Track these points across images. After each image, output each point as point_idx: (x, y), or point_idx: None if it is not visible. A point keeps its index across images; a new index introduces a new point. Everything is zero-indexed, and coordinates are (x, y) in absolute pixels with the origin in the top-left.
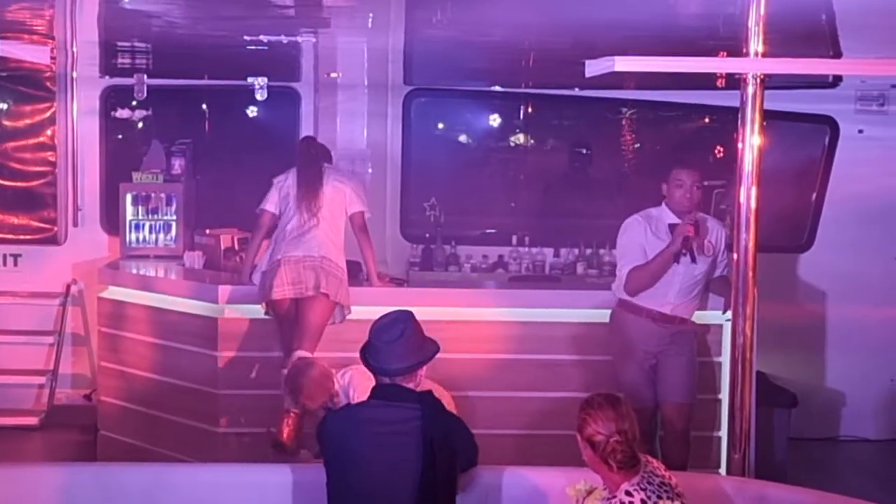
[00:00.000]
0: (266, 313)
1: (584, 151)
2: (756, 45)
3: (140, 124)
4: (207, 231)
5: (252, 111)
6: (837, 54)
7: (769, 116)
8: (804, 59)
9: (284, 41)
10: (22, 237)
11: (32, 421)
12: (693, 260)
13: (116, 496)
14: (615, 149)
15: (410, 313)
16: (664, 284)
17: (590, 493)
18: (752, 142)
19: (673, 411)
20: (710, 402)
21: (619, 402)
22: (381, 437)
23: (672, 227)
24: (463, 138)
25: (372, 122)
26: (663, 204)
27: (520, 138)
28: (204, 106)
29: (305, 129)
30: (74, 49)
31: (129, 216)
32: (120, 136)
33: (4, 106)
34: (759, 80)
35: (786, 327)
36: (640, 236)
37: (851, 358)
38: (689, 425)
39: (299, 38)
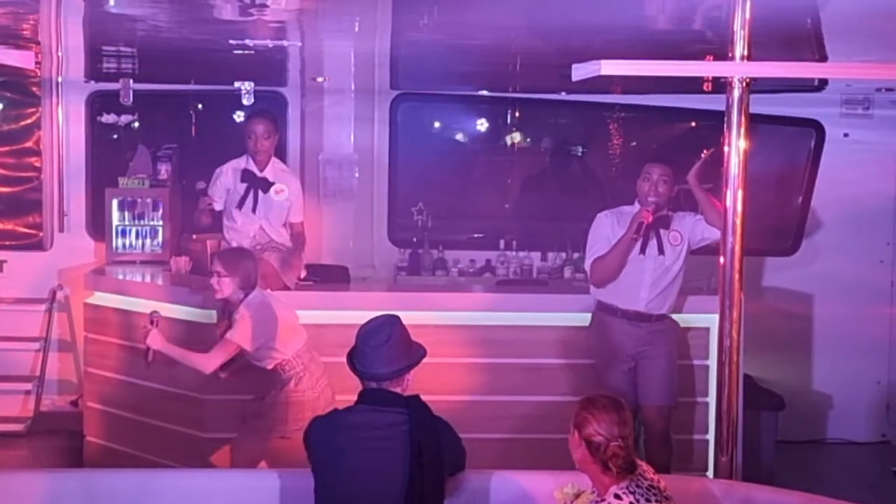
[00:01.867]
0: None
1: (572, 155)
2: (741, 48)
3: (136, 125)
4: (194, 236)
5: (239, 116)
6: (823, 58)
7: (755, 120)
8: (790, 63)
9: (270, 45)
10: (7, 243)
11: (18, 427)
12: (661, 251)
13: (103, 502)
14: (602, 153)
15: (397, 317)
16: (634, 281)
17: (577, 496)
18: (738, 145)
19: (653, 414)
20: (697, 405)
21: (621, 407)
22: (369, 442)
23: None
24: (450, 142)
25: (359, 126)
26: (636, 202)
27: (507, 142)
28: (190, 111)
29: (292, 134)
30: (60, 54)
31: (115, 221)
32: (106, 141)
33: None
34: (744, 84)
35: (773, 330)
36: (606, 229)
37: (838, 360)
38: (669, 427)
39: (285, 43)
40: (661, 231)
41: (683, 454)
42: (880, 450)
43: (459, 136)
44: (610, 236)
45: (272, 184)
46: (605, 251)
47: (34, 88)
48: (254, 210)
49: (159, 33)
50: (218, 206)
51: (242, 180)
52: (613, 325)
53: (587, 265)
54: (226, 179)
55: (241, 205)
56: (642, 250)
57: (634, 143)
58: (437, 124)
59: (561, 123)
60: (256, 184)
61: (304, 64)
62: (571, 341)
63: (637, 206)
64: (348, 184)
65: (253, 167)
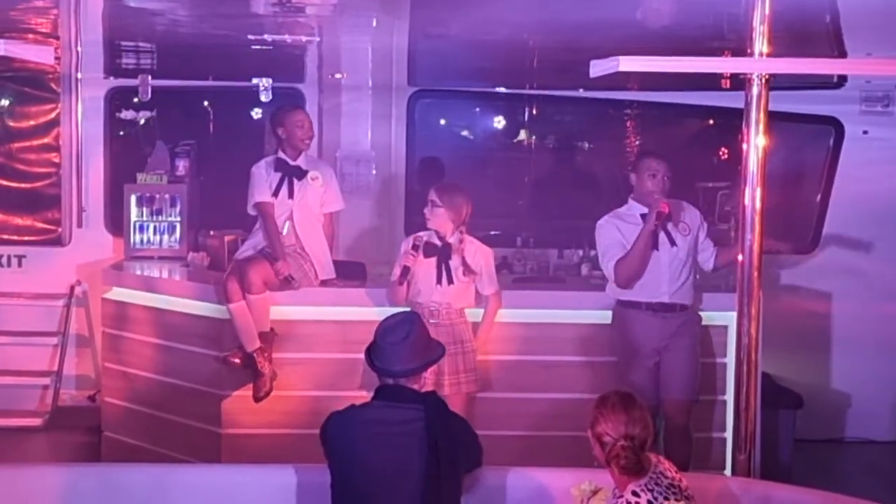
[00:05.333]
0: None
1: (589, 152)
2: (761, 45)
3: (145, 120)
4: (211, 232)
5: (256, 113)
6: (842, 54)
7: (774, 118)
8: (809, 59)
9: (288, 41)
10: (26, 238)
11: (36, 422)
12: (672, 243)
13: (120, 497)
14: (619, 150)
15: (417, 315)
16: (654, 275)
17: (594, 493)
18: (756, 142)
19: (674, 408)
20: (716, 403)
21: (633, 406)
22: (385, 438)
23: (644, 217)
24: (467, 139)
25: (376, 123)
26: (630, 200)
27: (524, 140)
28: (208, 107)
29: None
30: (79, 49)
31: (133, 217)
32: (125, 137)
33: (8, 103)
34: (763, 81)
35: (791, 328)
36: (614, 233)
37: (857, 359)
38: (690, 422)
39: (303, 38)
40: (669, 224)
41: (701, 452)
42: None
43: (477, 133)
44: (620, 239)
45: (306, 172)
46: (621, 253)
47: (53, 84)
48: (290, 196)
49: (178, 28)
50: (268, 198)
51: (276, 170)
52: (638, 319)
53: (609, 270)
54: (260, 174)
55: (276, 192)
56: (655, 246)
57: (653, 140)
58: (454, 121)
59: (579, 121)
60: (290, 172)
61: (322, 60)
62: (589, 338)
63: (632, 203)
64: (365, 180)
65: (284, 157)
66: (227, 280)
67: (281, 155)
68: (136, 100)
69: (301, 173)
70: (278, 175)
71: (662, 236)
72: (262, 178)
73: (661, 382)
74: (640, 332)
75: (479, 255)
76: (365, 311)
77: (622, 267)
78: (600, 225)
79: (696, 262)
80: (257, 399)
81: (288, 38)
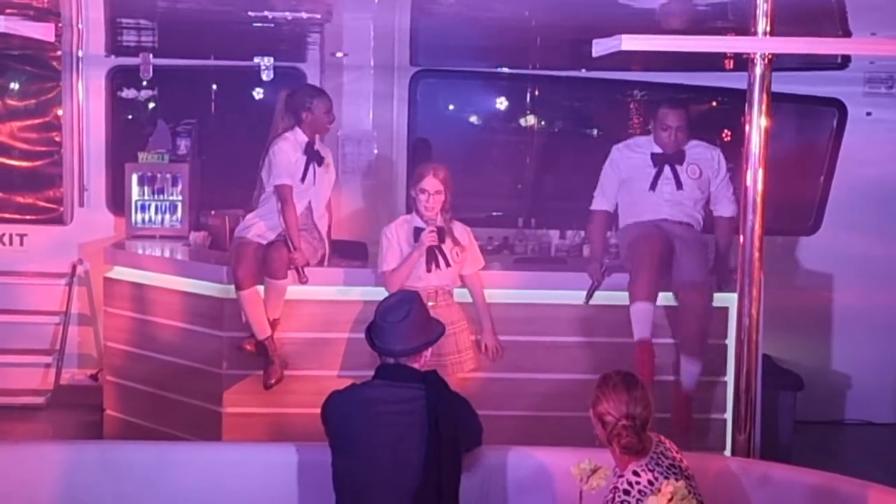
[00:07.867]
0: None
1: (591, 134)
2: (764, 24)
3: (153, 101)
4: (213, 212)
5: (258, 92)
6: (846, 34)
7: (777, 99)
8: (812, 39)
9: (289, 17)
10: (28, 217)
11: (38, 401)
12: (679, 186)
13: (121, 474)
14: (622, 131)
15: (416, 294)
16: (652, 207)
17: (594, 471)
18: (759, 123)
19: (690, 289)
20: (717, 384)
21: (634, 385)
22: (386, 417)
23: (655, 156)
24: (469, 120)
25: (378, 102)
26: (652, 136)
27: (526, 120)
28: (210, 86)
29: None
30: (80, 26)
31: (134, 196)
32: (126, 116)
33: (12, 85)
34: (766, 61)
35: (792, 310)
36: (615, 170)
37: (857, 341)
38: (709, 302)
39: (304, 15)
40: (678, 167)
41: (701, 433)
42: None
43: (479, 114)
44: (616, 178)
45: (324, 157)
46: (609, 195)
47: (55, 63)
48: (314, 182)
49: (178, 4)
50: (291, 181)
51: (304, 153)
52: (643, 225)
53: (593, 205)
54: (287, 155)
55: (304, 178)
56: (652, 187)
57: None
58: (456, 101)
59: (581, 101)
60: (313, 156)
61: (324, 39)
62: (590, 319)
63: (651, 140)
64: (367, 160)
65: (305, 140)
66: (237, 266)
67: (306, 138)
68: (144, 82)
69: (320, 159)
70: (304, 159)
71: (669, 176)
72: (290, 160)
73: (675, 269)
74: (646, 230)
75: (464, 232)
76: (367, 291)
77: (596, 220)
78: (611, 158)
79: (706, 202)
80: (268, 386)
81: (289, 15)
